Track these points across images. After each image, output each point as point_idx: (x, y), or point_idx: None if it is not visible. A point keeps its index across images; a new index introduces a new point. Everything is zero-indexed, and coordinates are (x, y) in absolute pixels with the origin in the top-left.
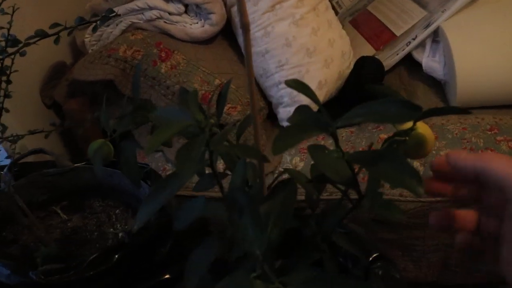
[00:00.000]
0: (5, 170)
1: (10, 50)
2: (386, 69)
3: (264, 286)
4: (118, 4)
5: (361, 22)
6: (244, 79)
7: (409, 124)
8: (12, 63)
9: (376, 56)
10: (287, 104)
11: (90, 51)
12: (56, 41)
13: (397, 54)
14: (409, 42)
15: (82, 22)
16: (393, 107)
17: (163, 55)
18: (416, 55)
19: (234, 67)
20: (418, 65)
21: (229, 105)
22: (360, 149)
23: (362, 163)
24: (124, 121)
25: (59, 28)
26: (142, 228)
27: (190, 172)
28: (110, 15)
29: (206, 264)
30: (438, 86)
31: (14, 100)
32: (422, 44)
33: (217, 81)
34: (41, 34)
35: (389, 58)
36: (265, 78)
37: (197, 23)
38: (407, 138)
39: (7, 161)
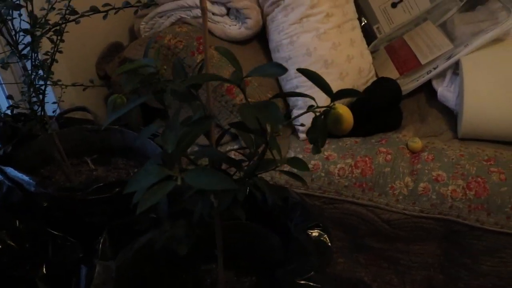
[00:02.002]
0: (53, 118)
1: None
2: (404, 93)
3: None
4: None
5: (394, 48)
6: (268, 80)
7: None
8: (65, 26)
9: (398, 80)
10: (300, 107)
11: (143, 36)
12: (105, 17)
13: (417, 81)
14: (430, 71)
15: (126, 6)
16: (272, 68)
17: (201, 48)
18: (435, 84)
19: None
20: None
21: (249, 99)
22: (358, 157)
23: (257, 109)
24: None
25: (108, 7)
26: None
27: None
28: (150, 3)
29: None
30: (450, 115)
31: (73, 69)
32: (443, 75)
33: None
34: (94, 9)
35: (410, 83)
36: (286, 82)
37: (235, 25)
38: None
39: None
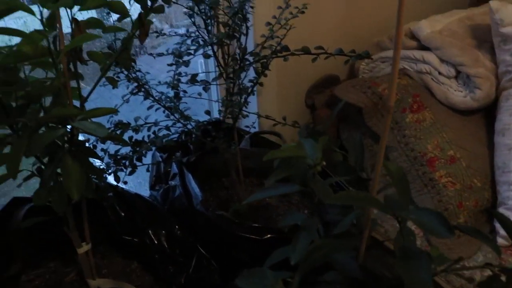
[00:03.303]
0: (246, 137)
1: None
2: None
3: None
4: None
5: None
6: (480, 164)
7: None
8: (268, 63)
9: None
10: (510, 207)
11: (360, 77)
12: (314, 60)
13: None
14: None
15: (339, 53)
16: (435, 222)
17: (414, 107)
18: None
19: (475, 147)
20: None
21: (450, 178)
22: None
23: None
24: None
25: (320, 51)
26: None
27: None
28: (365, 56)
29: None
30: None
31: (282, 92)
32: None
33: (450, 152)
34: (304, 50)
35: None
36: (501, 172)
37: (461, 91)
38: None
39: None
